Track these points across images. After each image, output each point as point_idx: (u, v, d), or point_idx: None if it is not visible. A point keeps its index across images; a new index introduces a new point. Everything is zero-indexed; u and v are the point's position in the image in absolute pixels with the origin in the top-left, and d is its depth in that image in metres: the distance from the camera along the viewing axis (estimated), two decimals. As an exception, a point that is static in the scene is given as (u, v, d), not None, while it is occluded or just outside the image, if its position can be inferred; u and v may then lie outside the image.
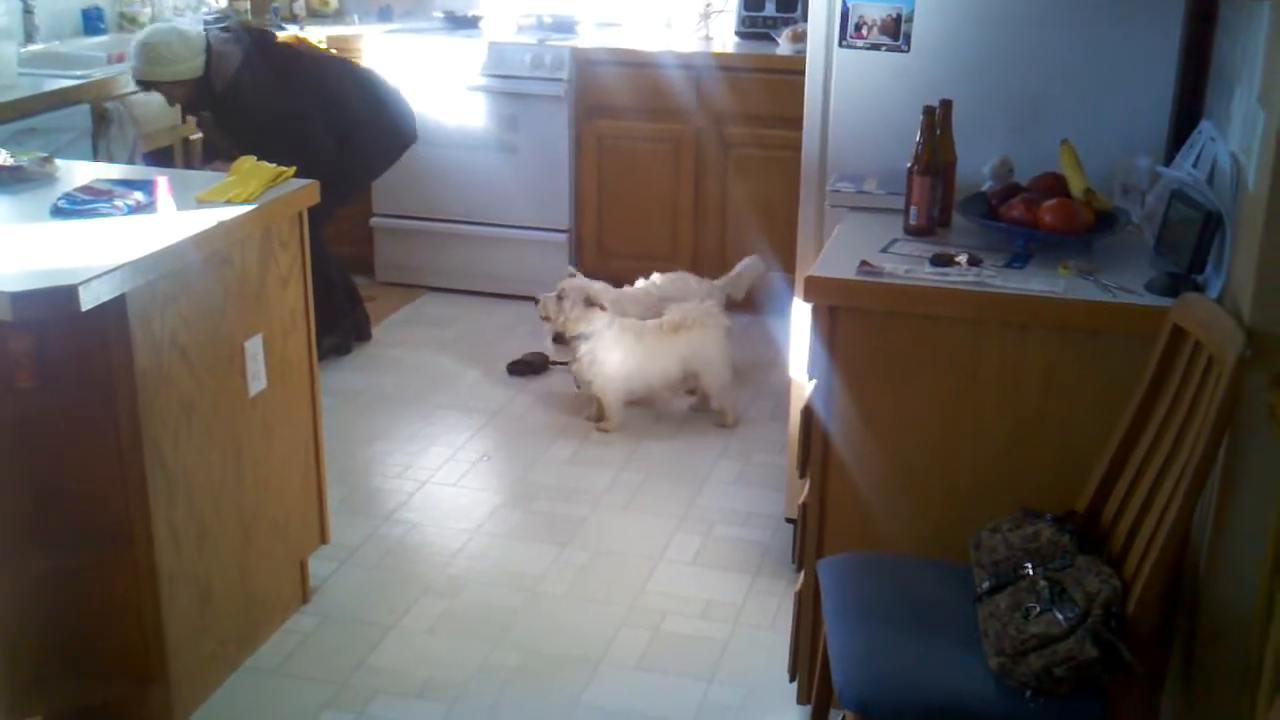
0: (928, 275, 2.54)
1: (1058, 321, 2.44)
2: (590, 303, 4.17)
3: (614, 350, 4.17)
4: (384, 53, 5.31)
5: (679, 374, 4.28)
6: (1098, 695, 2.06)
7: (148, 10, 5.21)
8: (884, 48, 3.07)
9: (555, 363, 4.62)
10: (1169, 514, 2.04)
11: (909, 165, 2.76)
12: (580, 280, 4.27)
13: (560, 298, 4.20)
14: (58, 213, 2.80)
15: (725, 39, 5.30)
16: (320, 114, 4.37)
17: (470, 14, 5.60)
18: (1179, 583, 2.42)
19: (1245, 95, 2.36)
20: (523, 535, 3.64)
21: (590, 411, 4.31)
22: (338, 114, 4.45)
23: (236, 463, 2.91)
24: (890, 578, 2.41)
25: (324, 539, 3.32)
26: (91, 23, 5.13)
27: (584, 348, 4.18)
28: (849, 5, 3.06)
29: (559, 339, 4.49)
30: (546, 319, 4.27)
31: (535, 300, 4.30)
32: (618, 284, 4.54)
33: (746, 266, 4.68)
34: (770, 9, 5.26)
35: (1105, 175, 2.87)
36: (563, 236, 5.34)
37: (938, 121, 2.76)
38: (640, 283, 4.58)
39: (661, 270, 4.71)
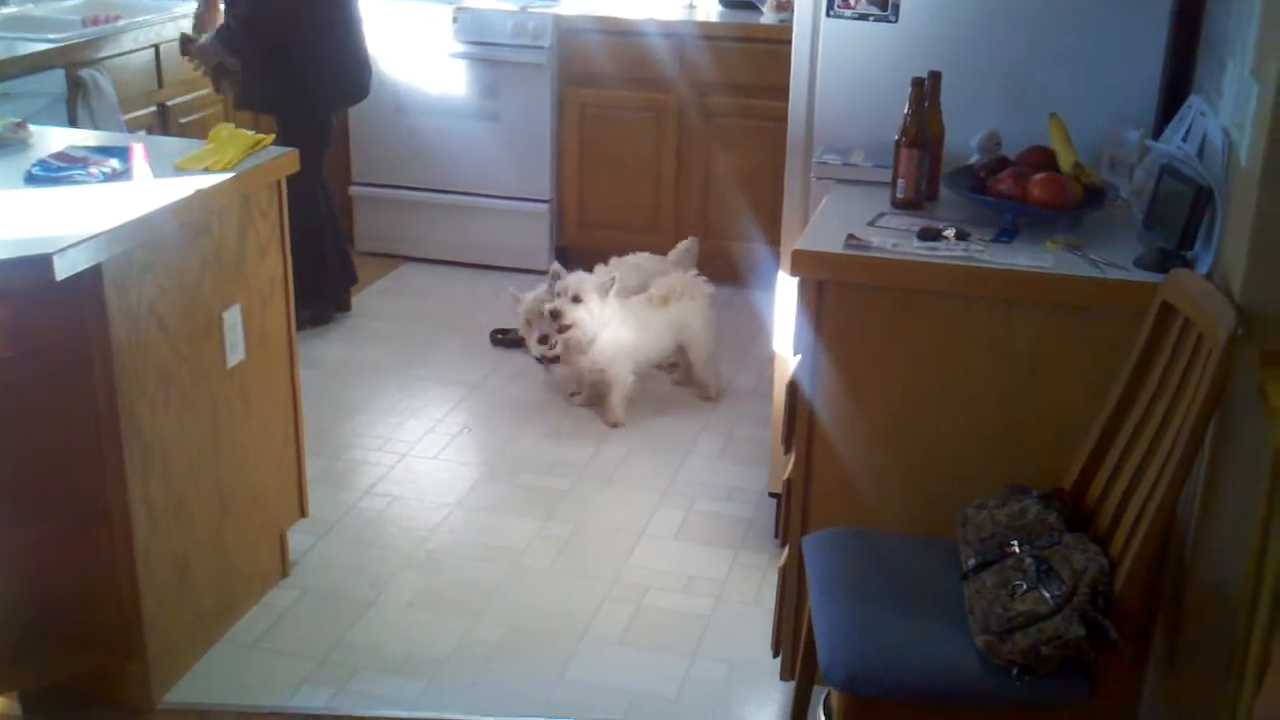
0: (915, 249, 2.52)
1: (1046, 297, 2.42)
2: (577, 299, 4.01)
3: (624, 329, 4.08)
4: (364, 18, 5.23)
5: (671, 346, 4.24)
6: (1084, 673, 2.05)
7: (123, -27, 5.12)
8: (872, 18, 3.04)
9: (548, 359, 4.24)
10: (1156, 492, 2.03)
11: (896, 138, 2.74)
12: (569, 280, 4.07)
13: (556, 317, 4.01)
14: (31, 180, 2.75)
15: (709, 7, 5.24)
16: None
17: (451, -20, 5.53)
18: (1165, 561, 2.42)
19: (1238, 69, 2.34)
20: (504, 509, 3.61)
21: (581, 397, 4.24)
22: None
23: (214, 434, 2.88)
24: (875, 553, 2.40)
25: (303, 512, 3.29)
26: (66, -14, 5.05)
27: (598, 338, 4.03)
28: (837, -26, 3.03)
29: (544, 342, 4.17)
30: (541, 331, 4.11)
31: (517, 300, 4.24)
32: (595, 257, 4.50)
33: (693, 242, 4.63)
34: (755, -22, 5.21)
35: (1094, 149, 2.85)
36: (544, 206, 5.30)
37: (926, 94, 2.74)
38: (599, 269, 4.32)
39: (637, 246, 4.69)
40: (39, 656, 2.69)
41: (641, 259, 4.51)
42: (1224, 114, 2.43)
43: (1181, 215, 2.39)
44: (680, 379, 4.37)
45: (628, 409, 4.13)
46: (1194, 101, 2.68)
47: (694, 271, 4.39)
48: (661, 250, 4.61)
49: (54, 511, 2.62)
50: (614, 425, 4.09)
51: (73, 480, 2.61)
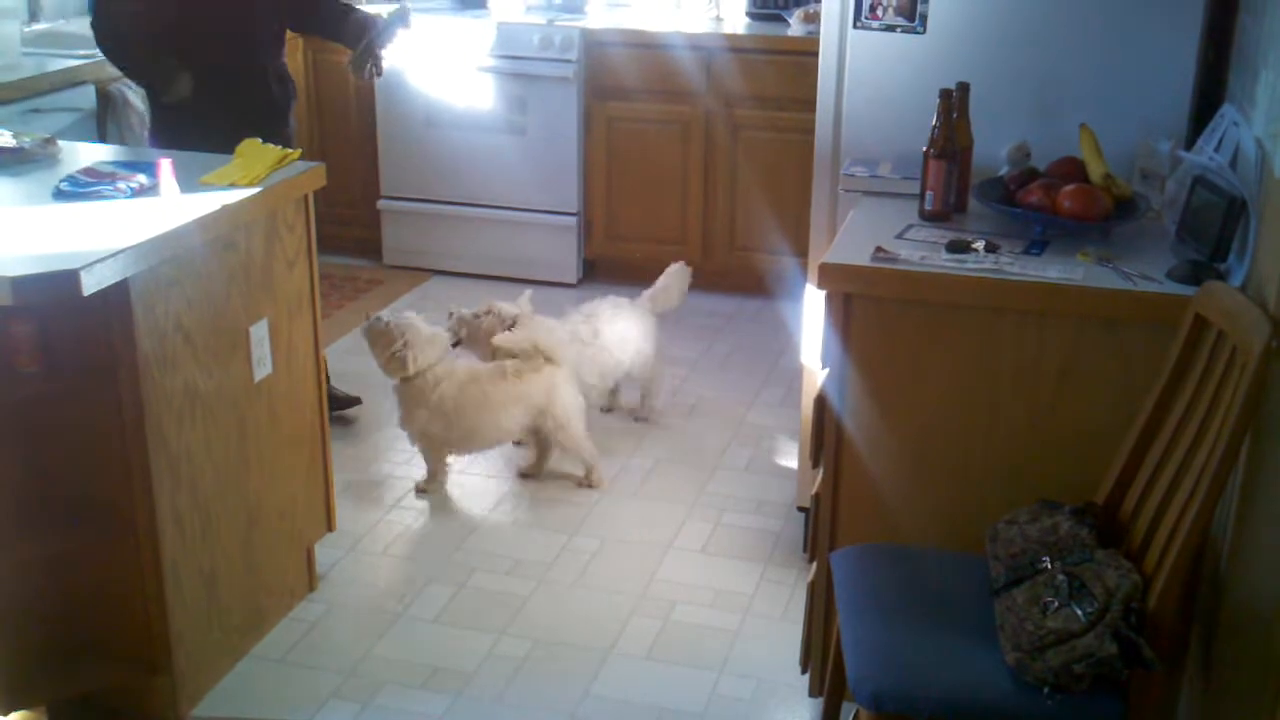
0: (944, 262, 2.49)
1: (1076, 310, 2.40)
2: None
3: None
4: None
5: (527, 422, 3.74)
6: (1116, 691, 2.02)
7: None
8: (899, 29, 3.02)
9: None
10: (1190, 508, 2.00)
11: (925, 149, 2.72)
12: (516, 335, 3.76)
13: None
14: (60, 195, 2.76)
15: (736, 19, 5.24)
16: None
17: (479, -6, 5.55)
18: (1200, 577, 2.38)
19: (1271, 78, 2.31)
20: (531, 522, 3.60)
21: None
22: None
23: (241, 448, 2.88)
24: (905, 569, 2.38)
25: (330, 526, 3.29)
26: (97, 2, 5.09)
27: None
28: (864, -14, 3.01)
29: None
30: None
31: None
32: (623, 269, 4.47)
33: (672, 276, 4.26)
34: (782, -10, 5.20)
35: (1125, 160, 2.82)
36: (572, 219, 5.30)
37: (954, 105, 2.72)
38: (571, 316, 4.06)
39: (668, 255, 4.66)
40: (66, 670, 2.69)
41: (607, 302, 4.13)
42: (1257, 124, 2.40)
43: (1215, 227, 2.36)
44: (530, 469, 3.86)
45: (649, 422, 4.14)
46: (1226, 111, 2.65)
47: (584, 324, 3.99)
48: (691, 262, 4.56)
49: (81, 525, 2.63)
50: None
51: (100, 493, 2.61)
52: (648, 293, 4.23)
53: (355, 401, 4.19)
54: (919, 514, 2.58)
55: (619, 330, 4.04)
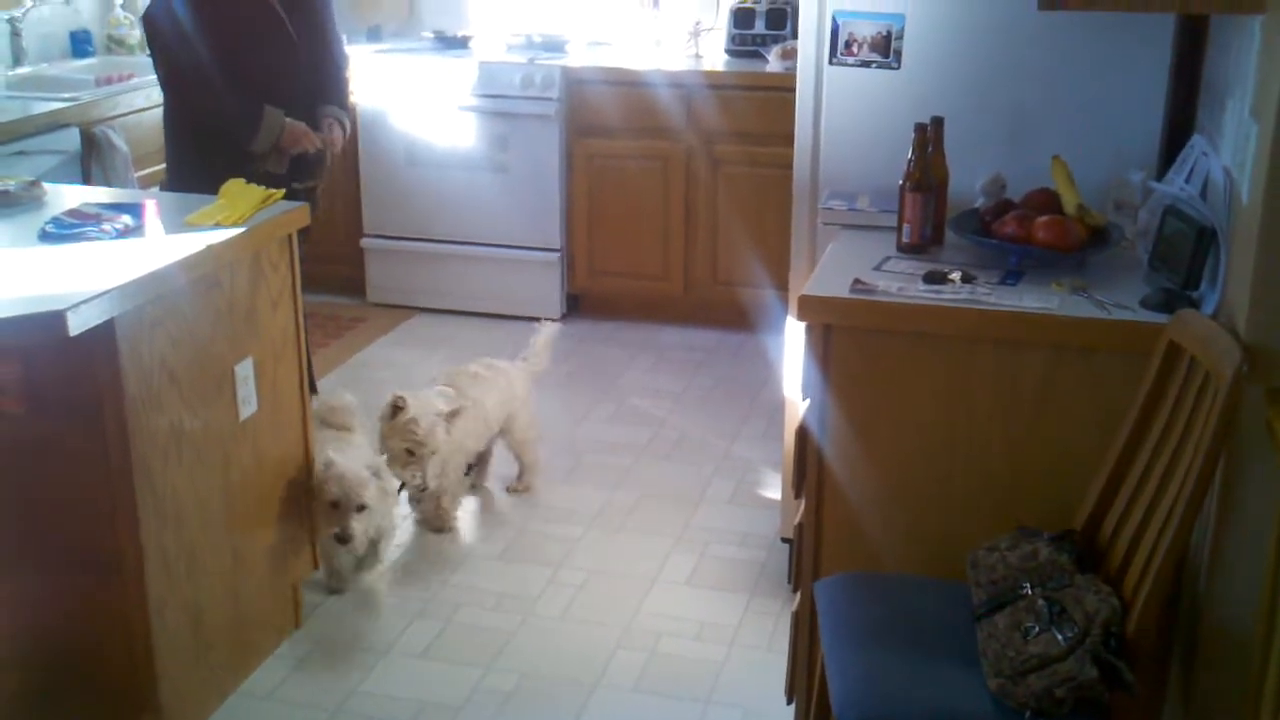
0: (921, 293, 2.53)
1: (1053, 338, 2.43)
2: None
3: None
4: (374, 73, 5.30)
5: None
6: (1098, 714, 2.04)
7: (136, 33, 5.20)
8: (874, 65, 3.06)
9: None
10: (1167, 532, 2.03)
11: (901, 182, 2.75)
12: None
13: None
14: (45, 237, 2.78)
15: (715, 57, 5.29)
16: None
17: (460, 34, 5.60)
18: (1179, 601, 2.41)
19: (1238, 109, 2.36)
20: (516, 557, 3.61)
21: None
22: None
23: (226, 486, 2.89)
24: (887, 597, 2.39)
25: (315, 564, 3.30)
26: (80, 45, 5.13)
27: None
28: (839, 23, 3.05)
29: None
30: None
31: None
32: (606, 305, 4.46)
33: (543, 335, 4.14)
34: (760, 27, 5.25)
35: (1098, 191, 2.86)
36: (555, 255, 5.33)
37: (929, 138, 2.76)
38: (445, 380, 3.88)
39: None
40: (54, 708, 2.69)
41: (479, 369, 3.95)
42: (1225, 154, 2.44)
43: (1186, 255, 2.40)
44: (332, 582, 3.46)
45: (635, 456, 4.13)
46: (1196, 142, 2.70)
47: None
48: (673, 296, 4.54)
49: (67, 563, 2.64)
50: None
51: (86, 532, 2.62)
52: (524, 354, 4.09)
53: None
54: (900, 542, 2.60)
55: (485, 393, 3.85)
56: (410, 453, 3.55)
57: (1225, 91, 2.52)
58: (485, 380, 3.88)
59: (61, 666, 2.70)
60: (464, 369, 3.92)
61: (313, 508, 3.25)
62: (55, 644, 2.69)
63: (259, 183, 3.08)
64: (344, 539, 3.22)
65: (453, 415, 3.65)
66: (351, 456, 3.31)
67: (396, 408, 3.58)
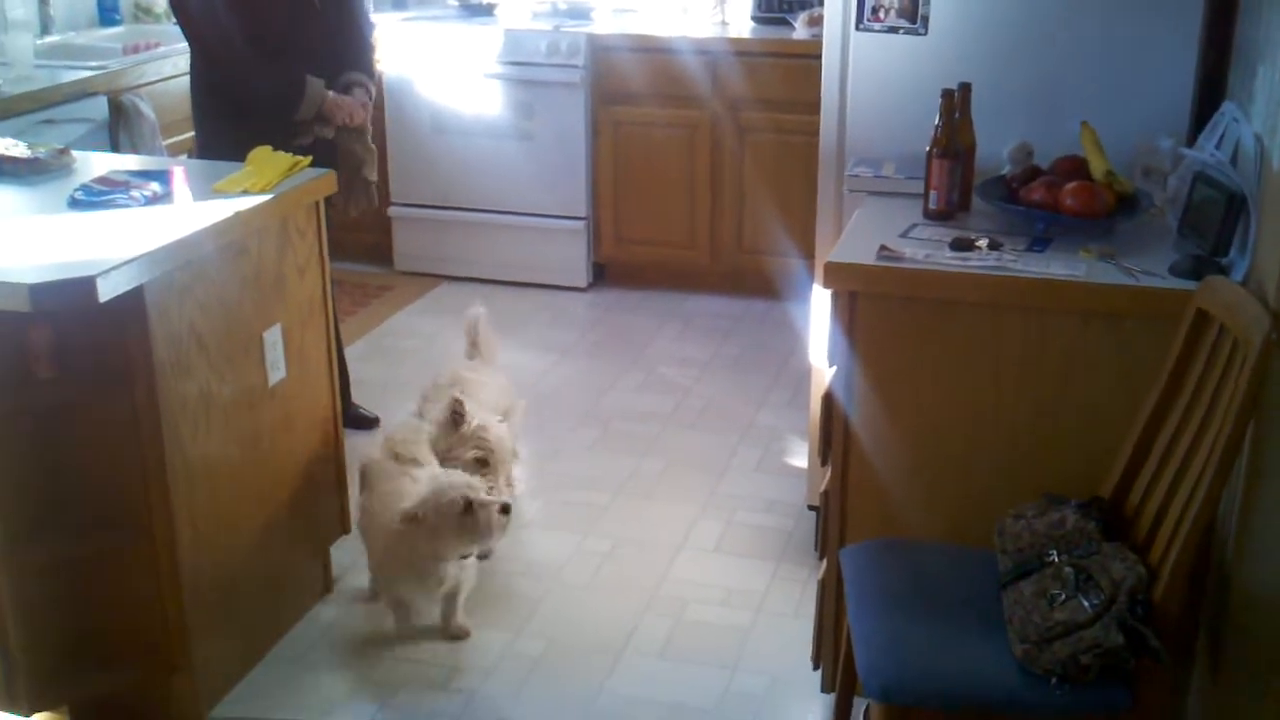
0: (948, 260, 2.52)
1: (1080, 305, 2.42)
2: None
3: None
4: (400, 41, 5.30)
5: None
6: (1124, 682, 2.05)
7: (162, 1, 5.20)
8: (902, 30, 3.05)
9: None
10: (1195, 499, 2.02)
11: (928, 149, 2.74)
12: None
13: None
14: (75, 204, 2.80)
15: (741, 24, 5.27)
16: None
17: (485, 1, 5.58)
18: (1205, 568, 2.40)
19: (1269, 74, 2.33)
20: (544, 524, 3.63)
21: None
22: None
23: (256, 452, 2.91)
24: (913, 564, 2.40)
25: (345, 529, 3.32)
26: (107, 14, 5.14)
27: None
28: (866, -12, 3.04)
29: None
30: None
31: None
32: (633, 272, 4.47)
33: (481, 329, 3.81)
34: (787, -7, 5.23)
35: (1126, 158, 2.84)
36: (580, 224, 5.33)
37: (957, 105, 2.74)
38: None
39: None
40: (87, 671, 2.72)
41: (466, 371, 3.69)
42: (1256, 120, 2.42)
43: (1215, 222, 2.38)
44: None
45: (662, 423, 4.13)
46: (1227, 108, 2.67)
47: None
48: (699, 264, 4.53)
49: (99, 529, 2.66)
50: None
51: (117, 498, 2.65)
52: (476, 352, 3.82)
53: (374, 424, 4.15)
54: (926, 509, 2.60)
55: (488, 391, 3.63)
56: (483, 462, 3.28)
57: (1256, 57, 2.50)
58: (485, 380, 3.70)
59: (95, 630, 2.73)
60: (457, 372, 3.66)
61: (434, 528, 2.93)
62: (88, 608, 2.71)
63: (301, 153, 3.07)
64: (506, 509, 2.94)
65: (506, 414, 3.50)
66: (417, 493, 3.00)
67: (457, 414, 3.30)
